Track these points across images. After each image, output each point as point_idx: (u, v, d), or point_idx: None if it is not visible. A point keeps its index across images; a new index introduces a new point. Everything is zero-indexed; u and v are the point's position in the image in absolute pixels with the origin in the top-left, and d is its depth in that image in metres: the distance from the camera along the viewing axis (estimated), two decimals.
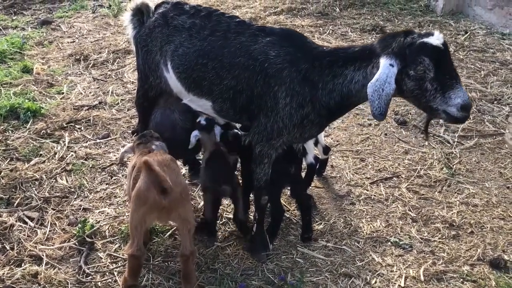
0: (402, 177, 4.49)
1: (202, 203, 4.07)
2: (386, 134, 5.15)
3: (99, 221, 3.88)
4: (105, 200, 4.14)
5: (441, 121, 5.25)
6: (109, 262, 3.51)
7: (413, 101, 3.02)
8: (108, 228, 3.81)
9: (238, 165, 3.98)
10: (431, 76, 2.81)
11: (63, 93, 5.82)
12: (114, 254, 3.58)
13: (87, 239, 3.66)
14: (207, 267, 3.46)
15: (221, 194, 3.61)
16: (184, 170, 4.47)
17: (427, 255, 3.63)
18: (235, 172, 3.87)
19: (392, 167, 4.61)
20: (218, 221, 3.89)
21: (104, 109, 5.52)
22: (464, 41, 7.27)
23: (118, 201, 4.12)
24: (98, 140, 4.95)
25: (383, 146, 4.96)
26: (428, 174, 4.52)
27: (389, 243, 3.74)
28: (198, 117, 3.92)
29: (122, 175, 4.42)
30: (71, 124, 5.18)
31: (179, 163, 4.03)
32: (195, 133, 3.73)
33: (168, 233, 3.75)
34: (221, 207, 3.97)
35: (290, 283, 3.26)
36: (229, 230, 3.83)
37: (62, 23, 8.06)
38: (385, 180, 4.45)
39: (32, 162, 4.53)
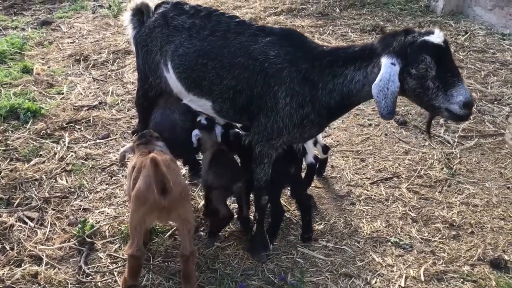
0: (402, 177, 4.49)
1: (202, 203, 4.07)
2: (386, 135, 5.15)
3: (99, 221, 3.87)
4: (105, 200, 4.14)
5: (441, 121, 5.27)
6: (109, 262, 3.51)
7: (415, 100, 3.02)
8: (108, 228, 3.80)
9: None
10: (433, 74, 2.81)
11: (63, 93, 5.82)
12: (114, 254, 3.57)
13: (87, 239, 3.66)
14: (207, 267, 3.45)
15: (234, 192, 3.58)
16: (184, 170, 4.46)
17: (428, 255, 3.62)
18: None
19: (393, 167, 4.61)
20: None
21: (104, 110, 5.51)
22: (464, 42, 7.27)
23: (118, 201, 4.12)
24: (98, 140, 4.95)
25: (383, 146, 4.95)
26: (429, 174, 4.51)
27: (389, 243, 3.74)
28: (198, 117, 3.93)
29: (122, 176, 4.41)
30: (71, 124, 5.18)
31: (179, 163, 4.03)
32: (195, 132, 3.73)
33: (168, 233, 3.75)
34: None
35: (290, 283, 3.26)
36: (229, 230, 3.82)
37: (62, 24, 8.06)
38: (386, 180, 4.45)
39: (32, 162, 4.53)
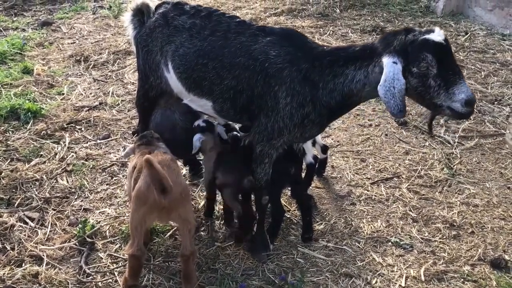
0: (402, 177, 4.49)
1: (202, 203, 4.08)
2: (386, 135, 5.15)
3: (100, 221, 3.88)
4: (106, 200, 4.14)
5: (441, 121, 5.27)
6: (109, 262, 3.51)
7: (416, 99, 3.02)
8: (108, 229, 3.81)
9: None
10: (434, 72, 2.81)
11: (63, 94, 5.82)
12: (115, 254, 3.57)
13: (88, 239, 3.66)
14: (207, 267, 3.45)
15: (244, 187, 3.56)
16: (184, 170, 4.46)
17: (428, 255, 3.62)
18: None
19: (393, 168, 4.61)
20: (218, 221, 3.90)
21: (105, 110, 5.52)
22: (464, 42, 7.28)
23: (118, 201, 4.12)
24: (98, 141, 4.95)
25: (384, 146, 4.96)
26: (429, 175, 4.52)
27: (390, 243, 3.74)
28: (198, 118, 3.93)
29: (123, 176, 4.42)
30: (72, 124, 5.18)
31: (179, 163, 4.03)
32: (198, 136, 3.72)
33: (169, 233, 3.75)
34: (222, 206, 3.98)
35: (290, 283, 3.26)
36: (230, 230, 3.82)
37: (62, 24, 8.06)
38: (386, 180, 4.45)
39: (33, 163, 4.53)
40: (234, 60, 3.30)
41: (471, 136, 5.13)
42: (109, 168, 4.54)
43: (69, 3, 9.11)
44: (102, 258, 3.55)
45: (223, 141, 3.77)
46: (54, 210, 4.00)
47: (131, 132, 5.00)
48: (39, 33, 7.63)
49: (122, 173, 4.47)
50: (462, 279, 3.42)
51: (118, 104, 5.63)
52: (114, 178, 4.42)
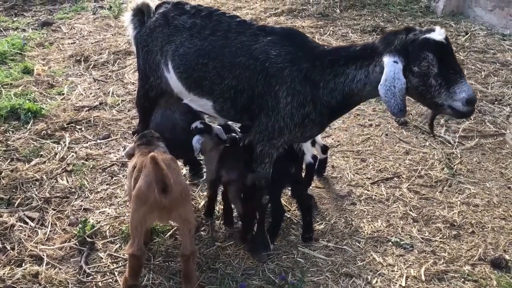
0: (403, 177, 4.49)
1: (202, 203, 4.08)
2: (387, 135, 5.15)
3: (100, 221, 3.87)
4: (106, 200, 4.14)
5: (442, 121, 5.28)
6: (109, 262, 3.51)
7: (417, 98, 3.02)
8: (108, 228, 3.80)
9: None
10: (435, 71, 2.81)
11: (63, 94, 5.82)
12: (115, 254, 3.57)
13: (88, 239, 3.65)
14: (207, 267, 3.45)
15: (247, 183, 3.53)
16: (184, 170, 4.46)
17: (428, 255, 3.62)
18: None
19: (393, 168, 4.61)
20: (218, 221, 3.90)
21: (105, 110, 5.52)
22: (464, 42, 7.28)
23: (118, 201, 4.12)
24: (98, 141, 4.95)
25: (384, 146, 4.95)
26: (429, 174, 4.51)
27: (390, 243, 3.74)
28: (198, 118, 3.93)
29: (123, 176, 4.41)
30: (72, 124, 5.18)
31: (179, 163, 4.03)
32: (196, 138, 3.72)
33: (169, 233, 3.75)
34: (222, 206, 3.98)
35: (291, 283, 3.25)
36: (229, 230, 3.82)
37: (62, 25, 8.06)
38: (386, 180, 4.45)
39: (33, 163, 4.52)
40: (234, 60, 3.29)
41: (472, 136, 5.13)
42: (109, 168, 4.54)
43: (69, 3, 9.11)
44: (102, 258, 3.54)
45: (222, 141, 3.76)
46: (54, 210, 3.99)
47: (131, 132, 5.00)
48: (39, 33, 7.63)
49: (122, 173, 4.46)
50: (463, 279, 3.42)
51: (118, 104, 5.63)
52: (114, 178, 4.41)
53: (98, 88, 6.01)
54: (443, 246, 3.71)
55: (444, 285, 3.38)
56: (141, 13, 3.79)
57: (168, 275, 3.39)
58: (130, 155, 3.57)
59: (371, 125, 5.33)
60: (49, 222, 3.85)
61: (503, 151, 4.91)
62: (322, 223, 3.92)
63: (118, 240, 3.69)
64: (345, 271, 3.45)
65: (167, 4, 3.72)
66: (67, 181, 4.33)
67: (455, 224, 3.92)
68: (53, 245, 3.63)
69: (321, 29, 7.80)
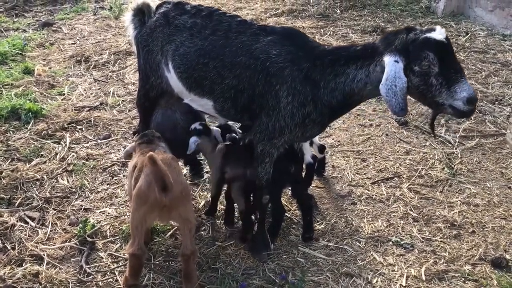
0: (403, 177, 4.48)
1: (203, 202, 4.08)
2: (387, 135, 5.15)
3: (100, 221, 3.87)
4: (106, 200, 4.14)
5: (442, 121, 5.28)
6: (110, 262, 3.51)
7: (418, 97, 3.02)
8: (109, 228, 3.80)
9: None
10: (436, 71, 2.81)
11: (64, 94, 5.82)
12: (115, 253, 3.57)
13: (88, 239, 3.65)
14: (208, 266, 3.45)
15: (248, 178, 3.56)
16: (185, 170, 4.46)
17: (429, 255, 3.62)
18: None
19: (393, 167, 4.61)
20: (219, 221, 3.90)
21: (105, 110, 5.52)
22: (465, 42, 7.28)
23: (119, 201, 4.12)
24: (99, 141, 4.95)
25: (384, 146, 4.95)
26: (430, 174, 4.51)
27: (391, 242, 3.74)
28: (199, 118, 3.93)
29: (123, 176, 4.41)
30: (72, 124, 5.18)
31: (180, 163, 4.03)
32: (194, 139, 3.72)
33: (169, 233, 3.75)
34: (222, 207, 3.98)
35: (291, 283, 3.25)
36: (230, 230, 3.82)
37: (63, 25, 8.07)
38: (386, 180, 4.45)
39: (33, 163, 4.53)
40: (235, 59, 3.30)
41: (472, 136, 5.13)
42: (109, 168, 4.54)
43: (70, 4, 9.11)
44: (102, 258, 3.54)
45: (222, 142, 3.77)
46: (55, 209, 4.00)
47: (131, 132, 5.00)
48: (40, 34, 7.64)
49: (122, 173, 4.47)
50: (463, 279, 3.42)
51: (119, 104, 5.63)
52: (115, 178, 4.41)
53: (99, 88, 6.02)
54: (443, 246, 3.71)
55: (445, 285, 3.38)
56: (141, 13, 3.80)
57: (168, 274, 3.39)
58: (129, 155, 3.57)
59: (371, 125, 5.33)
60: (49, 222, 3.85)
61: (504, 151, 4.91)
62: (322, 223, 3.92)
63: (118, 240, 3.70)
64: (346, 270, 3.45)
65: (168, 4, 3.72)
66: (68, 181, 4.33)
67: (456, 224, 3.92)
68: (54, 245, 3.63)
69: (322, 30, 7.80)
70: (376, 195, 4.23)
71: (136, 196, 3.03)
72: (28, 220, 3.86)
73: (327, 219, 3.97)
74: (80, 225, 3.73)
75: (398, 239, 3.75)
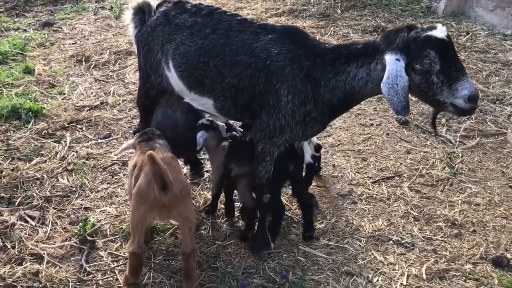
0: (404, 176, 4.48)
1: (203, 201, 4.07)
2: (388, 134, 5.14)
3: (100, 220, 3.87)
4: (106, 199, 4.14)
5: (443, 120, 5.27)
6: (110, 261, 3.51)
7: (419, 96, 3.01)
8: (109, 227, 3.80)
9: None
10: (437, 69, 2.81)
11: (64, 93, 5.82)
12: (115, 252, 3.57)
13: (88, 237, 3.65)
14: (208, 265, 3.45)
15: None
16: (185, 169, 4.46)
17: (429, 254, 3.62)
18: None
19: (394, 167, 4.60)
20: (219, 220, 3.90)
21: (106, 110, 5.51)
22: (465, 42, 7.27)
23: (119, 200, 4.12)
24: (99, 140, 4.95)
25: (385, 145, 4.95)
26: (430, 174, 4.50)
27: (391, 241, 3.73)
28: (199, 117, 3.92)
29: (123, 175, 4.41)
30: (73, 124, 5.18)
31: (180, 162, 4.02)
32: (201, 133, 3.72)
33: (169, 231, 3.75)
34: (223, 206, 3.98)
35: (291, 281, 3.24)
36: (230, 228, 3.82)
37: (63, 25, 8.06)
38: (387, 179, 4.44)
39: (34, 162, 4.52)
40: (235, 58, 3.29)
41: (473, 136, 5.12)
42: (110, 167, 4.54)
43: (70, 4, 9.11)
44: (102, 257, 3.54)
45: (225, 139, 3.76)
46: (55, 208, 3.99)
47: (132, 131, 4.99)
48: (40, 34, 7.63)
49: (122, 172, 4.46)
50: (464, 278, 3.41)
51: (119, 104, 5.63)
52: (115, 177, 4.41)
53: (99, 88, 6.01)
54: (444, 245, 3.70)
55: (445, 284, 3.37)
56: (142, 11, 3.79)
57: (168, 273, 3.38)
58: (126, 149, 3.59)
59: (372, 124, 5.32)
60: (49, 221, 3.85)
61: (504, 150, 4.90)
62: (323, 222, 3.91)
63: (118, 239, 3.69)
64: (346, 269, 3.45)
65: (168, 3, 3.71)
66: (68, 180, 4.32)
67: (456, 223, 3.91)
68: (54, 244, 3.62)
69: (322, 30, 7.79)
70: (376, 194, 4.22)
71: (136, 195, 3.03)
72: (28, 219, 3.85)
73: (327, 218, 3.96)
74: (80, 224, 3.73)
75: (399, 238, 3.74)
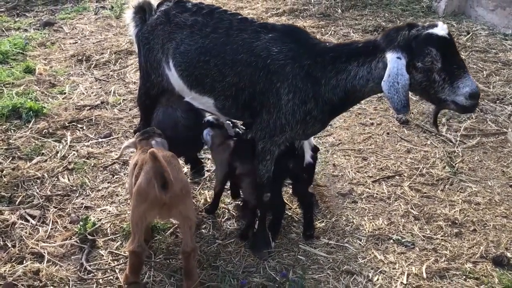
0: (404, 175, 4.48)
1: (203, 200, 4.08)
2: (388, 133, 5.14)
3: (101, 219, 3.87)
4: (107, 198, 4.14)
5: (443, 120, 5.26)
6: (110, 260, 3.51)
7: (421, 94, 3.02)
8: (109, 226, 3.80)
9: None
10: (439, 66, 2.81)
11: (65, 93, 5.82)
12: (116, 251, 3.57)
13: (89, 236, 3.66)
14: (208, 264, 3.45)
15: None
16: (185, 169, 4.46)
17: (430, 253, 3.62)
18: None
19: (395, 166, 4.60)
20: (219, 219, 3.90)
21: (106, 109, 5.52)
22: (466, 42, 7.27)
23: (119, 199, 4.12)
24: (100, 139, 4.95)
25: (385, 145, 4.95)
26: (431, 173, 4.51)
27: (391, 240, 3.73)
28: (200, 116, 3.92)
29: (124, 174, 4.41)
30: (73, 123, 5.18)
31: (181, 161, 4.03)
32: (207, 130, 3.73)
33: (170, 230, 3.75)
34: (223, 205, 3.98)
35: (292, 280, 3.25)
36: (231, 227, 3.82)
37: (64, 25, 8.06)
38: (388, 178, 4.44)
39: (34, 161, 4.53)
40: (236, 57, 3.29)
41: (473, 135, 5.12)
42: (110, 167, 4.54)
43: (71, 3, 9.11)
44: (103, 256, 3.54)
45: (231, 136, 3.77)
46: (55, 207, 4.00)
47: (132, 131, 4.99)
48: (41, 33, 7.63)
49: (123, 171, 4.46)
50: (464, 277, 3.41)
51: (120, 103, 5.63)
52: (116, 176, 4.41)
53: (100, 88, 6.01)
54: (444, 244, 3.70)
55: (446, 283, 3.37)
56: (142, 10, 3.79)
57: (169, 272, 3.39)
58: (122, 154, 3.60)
59: (372, 124, 5.32)
60: (50, 220, 3.85)
61: (505, 149, 4.90)
62: (323, 221, 3.91)
63: (119, 238, 3.70)
64: (346, 268, 3.45)
65: (169, 2, 3.71)
66: (69, 179, 4.33)
67: (457, 222, 3.91)
68: (54, 243, 3.63)
69: (323, 29, 7.79)
70: (377, 194, 4.23)
71: (136, 193, 3.03)
72: (28, 218, 3.86)
73: (328, 217, 3.96)
74: (81, 223, 3.74)
75: (399, 237, 3.75)
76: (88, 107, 5.51)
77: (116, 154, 4.68)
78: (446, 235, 3.79)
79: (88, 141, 4.91)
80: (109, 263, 3.48)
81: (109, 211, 3.98)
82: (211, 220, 3.87)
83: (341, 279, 3.37)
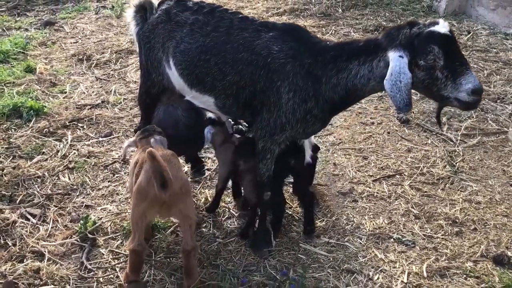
0: (405, 174, 4.48)
1: (203, 199, 4.08)
2: (389, 133, 5.14)
3: (101, 217, 3.87)
4: (107, 197, 4.14)
5: (444, 119, 5.25)
6: (111, 258, 3.51)
7: (423, 91, 3.02)
8: (110, 225, 3.80)
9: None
10: (441, 64, 2.81)
11: (66, 92, 5.82)
12: (116, 250, 3.57)
13: (89, 235, 3.66)
14: (209, 262, 3.45)
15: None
16: (186, 168, 4.46)
17: (430, 252, 3.62)
18: None
19: (395, 165, 4.60)
20: (220, 218, 3.90)
21: (107, 108, 5.52)
22: (467, 41, 7.26)
23: (120, 198, 4.12)
24: (100, 139, 4.95)
25: (386, 144, 4.95)
26: (431, 172, 4.50)
27: (392, 239, 3.73)
28: (201, 114, 3.92)
29: (124, 173, 4.41)
30: (74, 122, 5.18)
31: (181, 160, 4.03)
32: (208, 128, 3.73)
33: (170, 229, 3.75)
34: (223, 204, 3.98)
35: (292, 279, 3.25)
36: (231, 226, 3.82)
37: (65, 24, 8.07)
38: (388, 177, 4.44)
39: (35, 160, 4.53)
40: (236, 56, 3.29)
41: (474, 134, 5.12)
42: (111, 166, 4.54)
43: (72, 3, 9.11)
44: (103, 254, 3.54)
45: (231, 135, 3.77)
46: (56, 206, 4.00)
47: (133, 130, 5.00)
48: (42, 33, 7.63)
49: (123, 170, 4.47)
50: (465, 275, 3.41)
51: (120, 103, 5.63)
52: (116, 175, 4.41)
53: (100, 87, 6.01)
54: (445, 243, 3.70)
55: (446, 282, 3.37)
56: (143, 9, 3.79)
57: (169, 271, 3.39)
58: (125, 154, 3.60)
59: (373, 123, 5.32)
60: (50, 219, 3.85)
61: (505, 149, 4.90)
62: (323, 220, 3.91)
63: (119, 237, 3.70)
64: (347, 267, 3.45)
65: (170, 1, 3.71)
66: (69, 178, 4.33)
67: (457, 221, 3.91)
68: (55, 241, 3.63)
69: (323, 29, 7.79)
70: (377, 193, 4.22)
71: (136, 192, 3.03)
72: (29, 216, 3.86)
73: (328, 216, 3.96)
74: (81, 221, 3.73)
75: (400, 236, 3.75)
76: (89, 106, 5.52)
77: (117, 153, 4.68)
78: (447, 234, 3.79)
79: (89, 140, 4.92)
80: (110, 261, 3.48)
81: (110, 210, 3.98)
82: (212, 219, 3.87)
83: (341, 278, 3.37)
